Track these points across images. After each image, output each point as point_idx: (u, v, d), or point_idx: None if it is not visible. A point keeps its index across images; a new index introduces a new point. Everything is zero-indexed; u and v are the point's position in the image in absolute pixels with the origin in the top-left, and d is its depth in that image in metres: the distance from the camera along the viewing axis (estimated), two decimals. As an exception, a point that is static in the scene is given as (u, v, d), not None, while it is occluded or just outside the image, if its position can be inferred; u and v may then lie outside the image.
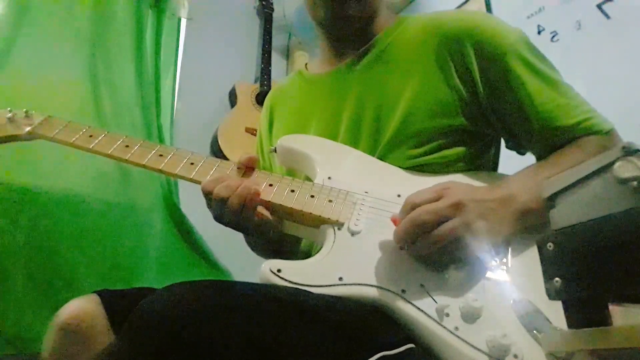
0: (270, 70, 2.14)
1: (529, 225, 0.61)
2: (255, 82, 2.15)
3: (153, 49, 1.81)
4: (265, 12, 2.26)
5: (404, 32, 0.83)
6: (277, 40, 2.29)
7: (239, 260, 1.31)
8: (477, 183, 0.70)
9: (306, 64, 1.00)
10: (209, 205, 0.70)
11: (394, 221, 0.62)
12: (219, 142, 1.89)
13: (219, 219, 0.70)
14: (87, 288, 1.25)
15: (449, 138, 0.74)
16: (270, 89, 2.09)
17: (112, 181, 1.51)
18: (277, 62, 2.29)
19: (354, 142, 0.79)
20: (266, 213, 0.69)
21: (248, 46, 2.25)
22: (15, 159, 1.31)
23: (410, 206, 0.59)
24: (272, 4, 2.31)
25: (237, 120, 1.99)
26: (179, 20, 1.95)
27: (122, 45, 1.71)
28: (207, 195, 0.68)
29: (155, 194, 1.61)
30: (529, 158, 0.77)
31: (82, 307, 0.62)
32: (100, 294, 0.65)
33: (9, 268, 1.20)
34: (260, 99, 2.05)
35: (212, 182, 0.68)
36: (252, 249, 0.92)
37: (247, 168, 0.74)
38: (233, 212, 0.66)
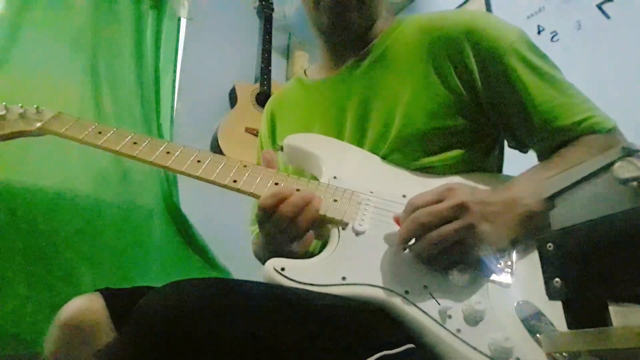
0: (270, 70, 2.14)
1: (533, 228, 0.60)
2: (255, 82, 2.15)
3: (153, 49, 1.81)
4: (265, 12, 2.26)
5: (402, 34, 0.82)
6: (277, 40, 2.29)
7: (239, 260, 1.31)
8: (481, 185, 0.70)
9: (305, 70, 0.99)
10: (264, 221, 0.65)
11: (397, 221, 0.62)
12: (219, 142, 1.89)
13: (270, 236, 0.66)
14: (87, 288, 1.26)
15: (451, 139, 0.74)
16: (270, 88, 2.09)
17: (112, 181, 1.51)
18: (277, 62, 2.29)
19: (358, 146, 0.78)
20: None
21: (248, 46, 2.25)
22: (15, 159, 1.31)
23: (413, 207, 0.59)
24: (272, 4, 2.31)
25: (237, 120, 1.99)
26: (179, 20, 1.95)
27: (122, 45, 1.71)
28: (267, 212, 0.63)
29: (155, 194, 1.61)
30: (533, 159, 0.77)
31: (84, 305, 0.63)
32: (102, 292, 0.65)
33: (9, 268, 1.20)
34: (260, 99, 2.05)
35: (271, 198, 0.63)
36: (259, 257, 0.87)
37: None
38: (300, 230, 0.63)
